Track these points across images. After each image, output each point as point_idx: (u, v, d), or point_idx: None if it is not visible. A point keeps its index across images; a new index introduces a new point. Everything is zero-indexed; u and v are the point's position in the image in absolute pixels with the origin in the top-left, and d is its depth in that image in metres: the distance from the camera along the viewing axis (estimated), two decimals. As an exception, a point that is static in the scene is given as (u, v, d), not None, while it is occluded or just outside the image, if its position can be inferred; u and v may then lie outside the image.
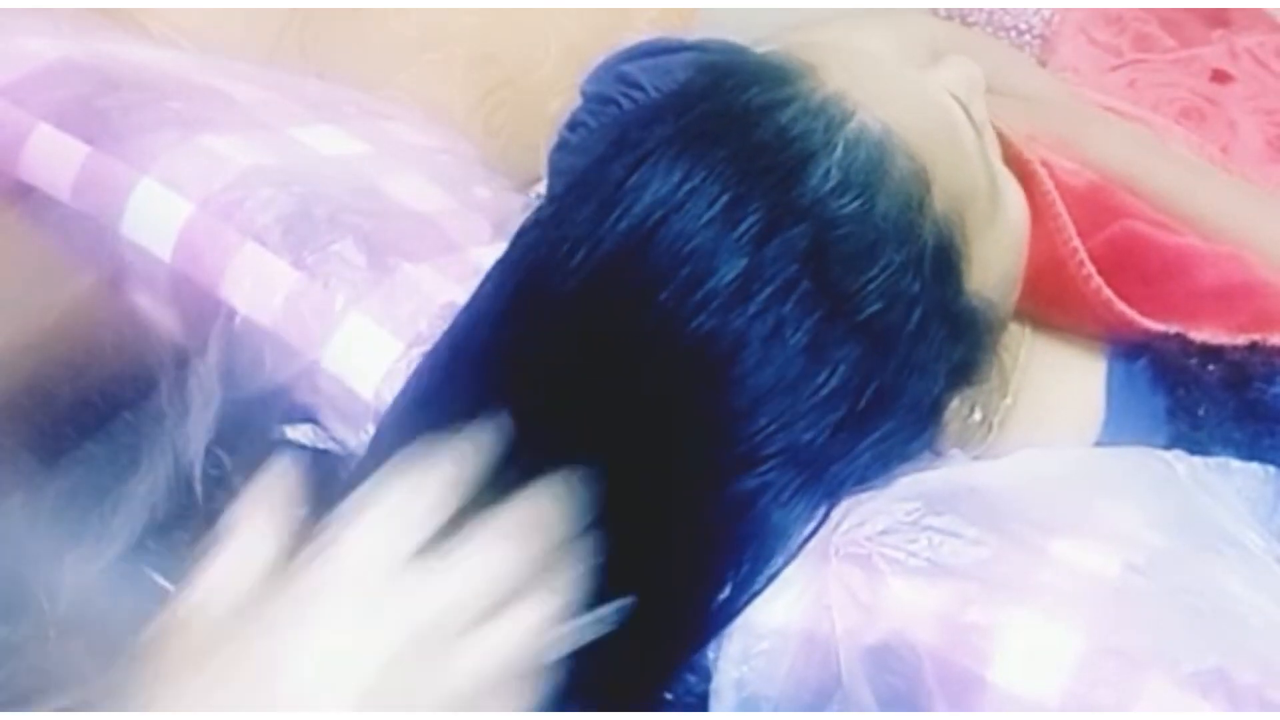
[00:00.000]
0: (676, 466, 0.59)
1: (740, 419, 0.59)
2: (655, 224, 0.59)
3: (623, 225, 0.60)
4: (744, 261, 0.59)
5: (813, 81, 0.63)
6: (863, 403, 0.61)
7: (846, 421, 0.60)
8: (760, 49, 0.73)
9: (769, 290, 0.59)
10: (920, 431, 0.64)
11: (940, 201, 0.63)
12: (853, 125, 0.61)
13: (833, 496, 0.61)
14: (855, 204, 0.60)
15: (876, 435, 0.62)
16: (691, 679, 0.60)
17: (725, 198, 0.59)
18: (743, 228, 0.59)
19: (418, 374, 0.65)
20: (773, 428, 0.59)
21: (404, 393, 0.65)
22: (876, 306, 0.60)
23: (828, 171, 0.60)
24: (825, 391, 0.60)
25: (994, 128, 0.73)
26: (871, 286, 0.60)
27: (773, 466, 0.59)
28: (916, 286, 0.61)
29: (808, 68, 0.64)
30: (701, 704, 0.60)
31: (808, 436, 0.60)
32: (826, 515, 0.61)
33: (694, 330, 0.58)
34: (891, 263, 0.60)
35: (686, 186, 0.60)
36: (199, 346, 0.71)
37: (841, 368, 0.60)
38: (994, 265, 0.67)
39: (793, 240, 0.59)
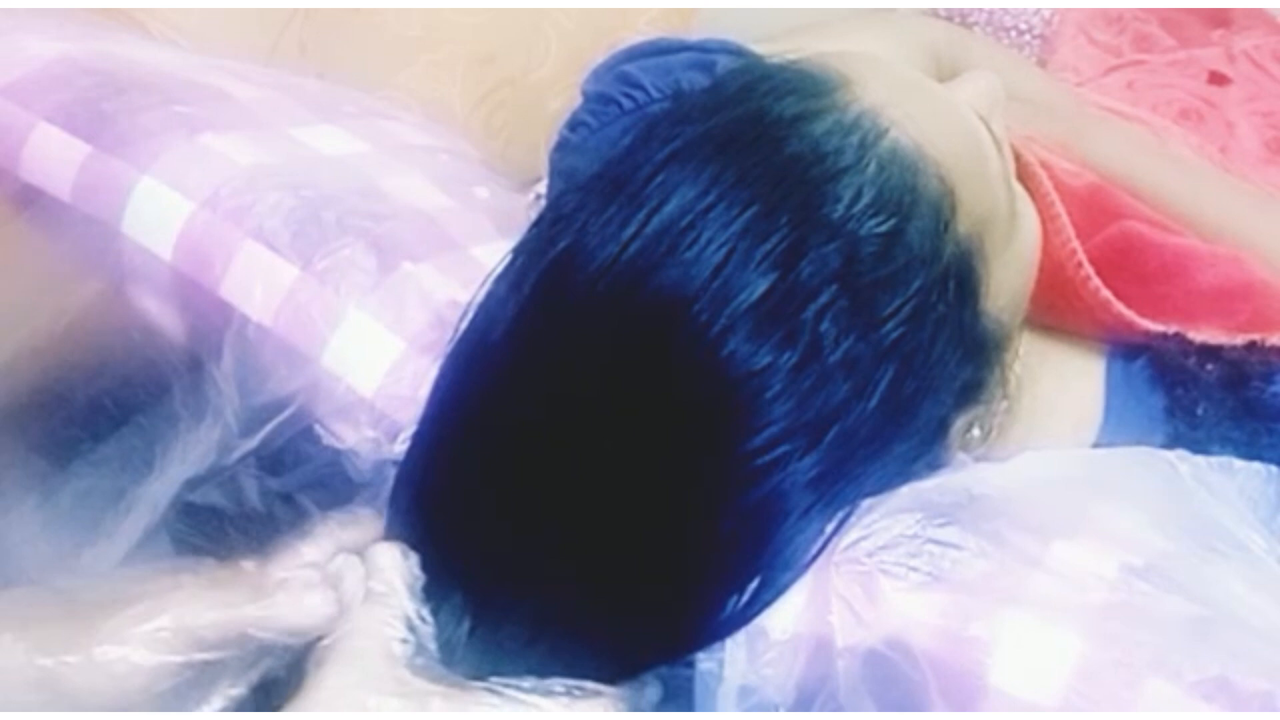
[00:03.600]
0: (692, 484, 0.59)
1: (766, 438, 0.58)
2: (684, 228, 0.58)
3: (651, 226, 0.59)
4: (774, 276, 0.58)
5: (847, 94, 0.62)
6: (883, 424, 0.60)
7: (864, 443, 0.60)
8: (765, 52, 0.73)
9: (808, 310, 0.58)
10: (927, 451, 0.64)
11: (964, 223, 0.62)
12: (886, 143, 0.61)
13: (840, 515, 0.61)
14: (889, 224, 0.59)
15: (888, 456, 0.61)
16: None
17: (755, 208, 0.58)
18: (772, 241, 0.58)
19: (436, 384, 0.64)
20: (798, 450, 0.58)
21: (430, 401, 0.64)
22: (905, 329, 0.59)
23: (860, 189, 0.59)
24: (856, 414, 0.59)
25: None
26: (905, 309, 0.59)
27: (791, 488, 0.59)
28: (941, 308, 0.61)
29: (842, 79, 0.63)
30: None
31: (829, 459, 0.59)
32: (834, 534, 0.60)
33: (728, 345, 0.57)
34: (920, 285, 0.60)
35: (716, 190, 0.59)
36: (213, 351, 0.71)
37: (871, 390, 0.59)
38: (1007, 286, 0.66)
39: (826, 259, 0.58)
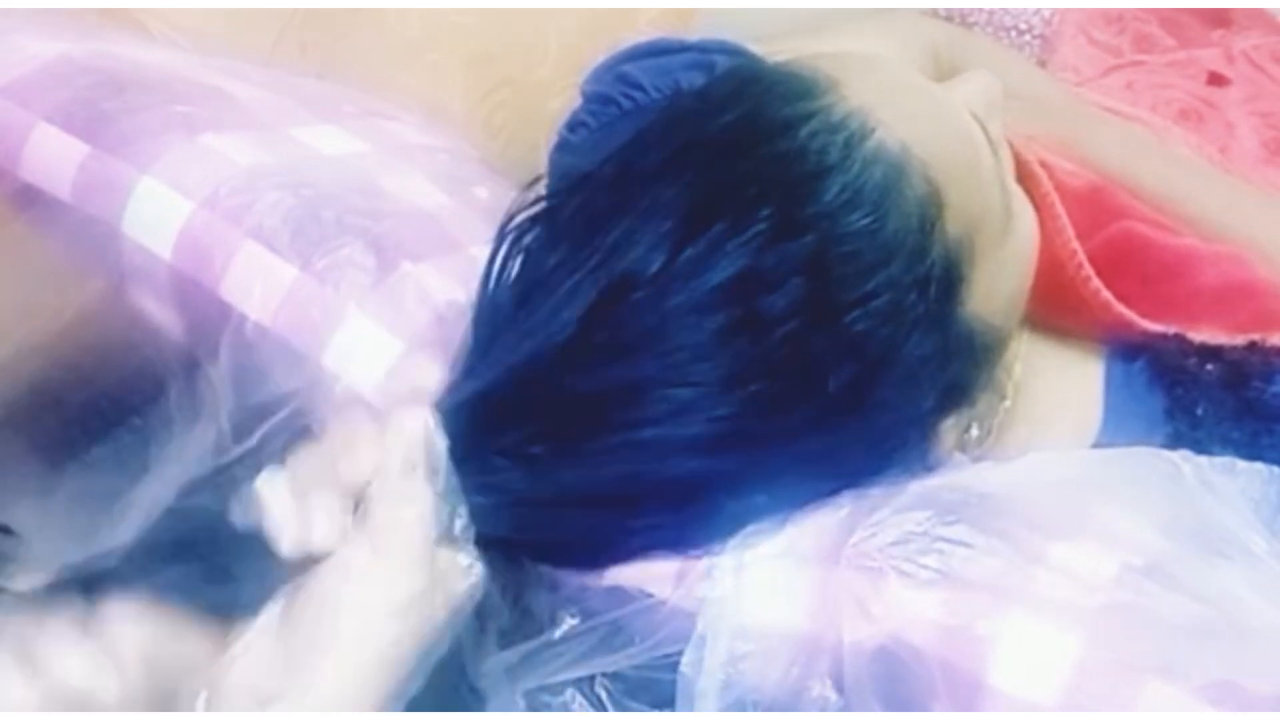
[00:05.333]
0: (650, 456, 0.61)
1: (720, 420, 0.60)
2: (663, 217, 0.60)
3: (634, 225, 0.60)
4: (742, 263, 0.59)
5: (835, 96, 0.63)
6: (844, 415, 0.61)
7: (822, 430, 0.61)
8: (765, 52, 0.73)
9: (770, 297, 0.59)
10: (909, 448, 0.65)
11: (953, 224, 0.63)
12: (870, 143, 0.61)
13: (815, 505, 0.63)
14: (865, 221, 0.60)
15: (856, 448, 0.62)
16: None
17: (738, 202, 0.60)
18: (749, 232, 0.59)
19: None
20: (754, 432, 0.60)
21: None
22: (874, 323, 0.60)
23: (842, 187, 0.60)
24: (811, 402, 0.60)
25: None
26: (873, 303, 0.60)
27: (743, 470, 0.61)
28: (920, 307, 0.61)
29: (831, 81, 0.63)
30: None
31: (791, 445, 0.61)
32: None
33: (684, 318, 0.59)
34: (896, 282, 0.61)
35: (702, 189, 0.60)
36: (210, 351, 0.71)
37: (826, 380, 0.60)
38: (1001, 287, 0.67)
39: (796, 250, 0.59)
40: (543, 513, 0.62)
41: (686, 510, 0.62)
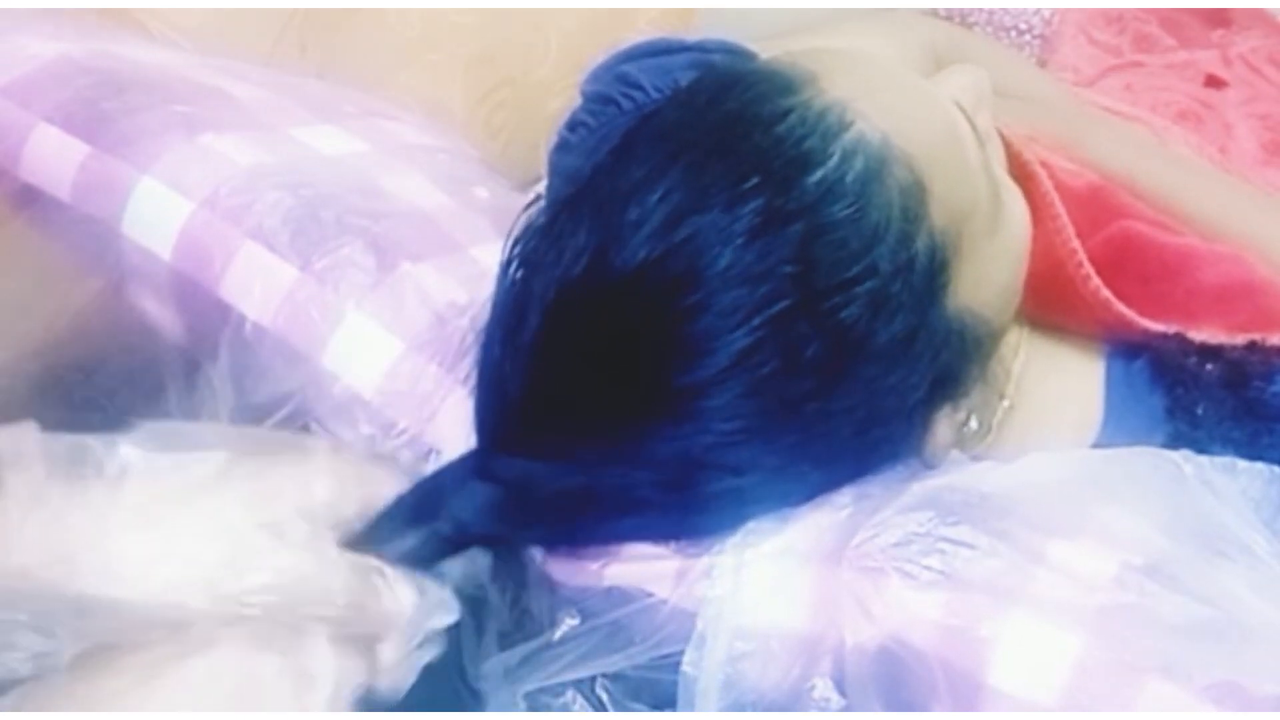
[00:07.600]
0: (644, 448, 0.61)
1: (709, 412, 0.60)
2: (647, 213, 0.61)
3: (626, 240, 0.61)
4: (731, 254, 0.60)
5: (813, 90, 0.63)
6: (837, 403, 0.61)
7: (805, 417, 0.62)
8: (765, 52, 0.73)
9: (753, 282, 0.60)
10: (899, 438, 0.65)
11: (938, 215, 0.63)
12: (850, 135, 0.62)
13: (807, 496, 0.63)
14: (847, 210, 0.61)
15: (844, 435, 0.63)
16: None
17: (724, 196, 0.60)
18: (737, 226, 0.60)
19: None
20: (742, 414, 0.61)
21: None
22: (858, 309, 0.61)
23: (823, 178, 0.61)
24: (798, 387, 0.61)
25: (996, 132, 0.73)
26: (856, 289, 0.60)
27: (731, 453, 0.61)
28: (904, 296, 0.62)
29: (810, 76, 0.64)
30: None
31: (777, 430, 0.61)
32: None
33: (686, 299, 0.60)
34: (879, 270, 0.61)
35: (687, 191, 0.61)
36: (210, 351, 0.71)
37: (808, 366, 0.60)
38: (992, 278, 0.67)
39: (784, 239, 0.60)
40: (540, 499, 0.63)
41: (677, 490, 0.62)
